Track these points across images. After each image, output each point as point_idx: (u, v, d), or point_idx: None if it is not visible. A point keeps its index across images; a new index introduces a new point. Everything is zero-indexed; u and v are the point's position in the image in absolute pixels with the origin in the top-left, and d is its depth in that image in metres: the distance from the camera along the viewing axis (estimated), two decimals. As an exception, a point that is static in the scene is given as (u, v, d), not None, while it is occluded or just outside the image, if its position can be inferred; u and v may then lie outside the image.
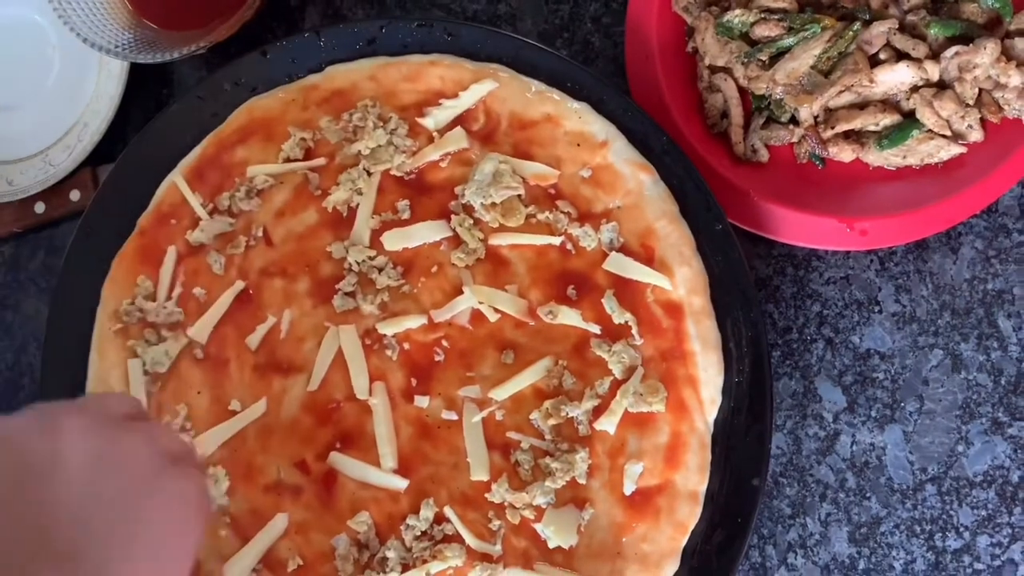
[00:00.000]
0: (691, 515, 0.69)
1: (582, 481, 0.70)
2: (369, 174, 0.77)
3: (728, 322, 0.71)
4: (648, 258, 0.71)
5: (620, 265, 0.71)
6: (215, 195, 0.80)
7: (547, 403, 0.71)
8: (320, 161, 0.78)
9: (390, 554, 0.72)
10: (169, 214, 0.81)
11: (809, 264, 0.78)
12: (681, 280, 0.71)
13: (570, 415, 0.71)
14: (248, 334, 0.77)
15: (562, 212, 0.73)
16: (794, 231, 0.74)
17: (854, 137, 0.75)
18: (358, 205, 0.77)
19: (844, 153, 0.74)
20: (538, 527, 0.70)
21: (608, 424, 0.70)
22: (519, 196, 0.73)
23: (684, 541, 0.69)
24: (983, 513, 0.73)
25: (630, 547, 0.69)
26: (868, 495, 0.74)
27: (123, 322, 0.79)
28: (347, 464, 0.74)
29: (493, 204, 0.73)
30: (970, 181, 0.72)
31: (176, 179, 0.80)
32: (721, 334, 0.71)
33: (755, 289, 0.70)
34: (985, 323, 0.75)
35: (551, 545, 0.70)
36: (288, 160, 0.78)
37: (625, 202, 0.72)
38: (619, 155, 0.72)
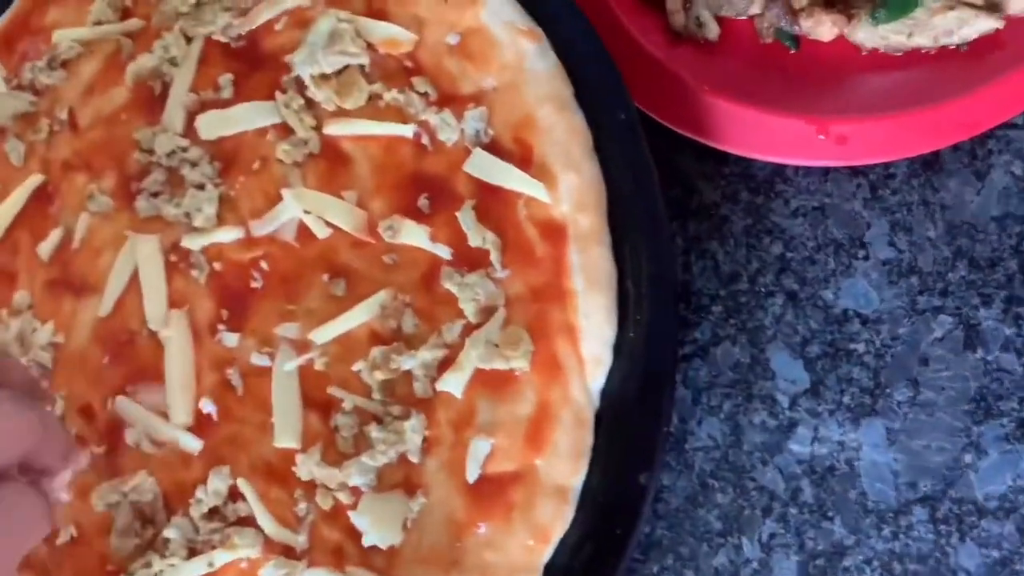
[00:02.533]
0: (556, 517, 0.49)
1: (414, 459, 0.50)
2: (188, 40, 0.58)
3: (626, 252, 0.49)
4: (524, 159, 0.51)
5: (483, 166, 0.51)
6: (20, 67, 0.63)
7: (375, 351, 0.51)
8: (135, 23, 0.59)
9: (171, 534, 0.53)
10: (-29, 90, 0.64)
11: (771, 188, 0.56)
12: (566, 191, 0.50)
13: (404, 368, 0.51)
14: (42, 241, 0.61)
15: (417, 93, 0.53)
16: (745, 136, 0.52)
17: (839, 7, 0.52)
18: (172, 80, 0.58)
19: (823, 29, 0.51)
20: (352, 516, 0.51)
21: (454, 384, 0.50)
22: (361, 68, 0.53)
23: (546, 554, 0.49)
24: (995, 554, 0.50)
25: (471, 554, 0.49)
26: (830, 514, 0.52)
27: (-90, 222, 0.64)
28: (134, 413, 0.56)
29: (326, 77, 0.53)
30: (1006, 70, 0.49)
31: (-20, 47, 0.64)
32: (618, 269, 0.50)
33: (662, 203, 0.48)
34: (1018, 282, 0.52)
35: (366, 542, 0.50)
36: (99, 24, 0.61)
37: (501, 81, 0.51)
38: (495, 15, 0.51)
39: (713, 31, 0.54)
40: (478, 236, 0.50)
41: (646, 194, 0.48)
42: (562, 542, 0.49)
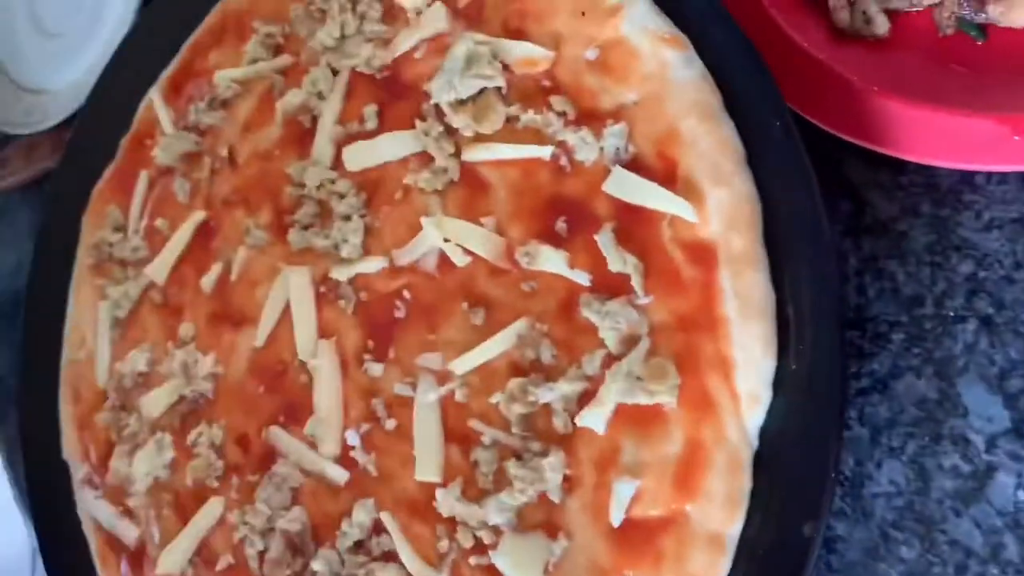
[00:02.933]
0: (711, 570, 0.44)
1: (555, 499, 0.47)
2: (335, 72, 0.59)
3: (786, 276, 0.44)
4: (668, 175, 0.47)
5: (623, 185, 0.47)
6: (187, 109, 0.66)
7: (512, 382, 0.49)
8: (285, 59, 0.61)
9: (318, 566, 0.53)
10: (146, 134, 0.68)
11: (959, 199, 0.49)
12: (715, 209, 0.45)
13: (542, 401, 0.48)
14: (205, 275, 0.63)
15: (555, 112, 0.50)
16: (925, 141, 0.46)
17: (1038, -15, 0.45)
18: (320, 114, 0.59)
19: (1017, 14, 0.45)
20: (493, 556, 0.49)
21: (594, 419, 0.46)
22: (498, 90, 0.51)
23: (699, 608, 0.45)
24: None
25: (618, 604, 0.46)
26: (1041, 573, 0.45)
27: (94, 258, 0.68)
28: (286, 443, 0.57)
29: (463, 102, 0.51)
30: None
31: (152, 93, 0.68)
32: (776, 294, 0.45)
33: (826, 218, 0.43)
34: None
35: (507, 585, 0.48)
36: (254, 62, 0.63)
37: (643, 93, 0.48)
38: (635, 23, 0.48)
39: (883, 27, 0.48)
40: (618, 260, 0.46)
41: (807, 208, 0.43)
42: (718, 596, 0.44)
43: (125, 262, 0.67)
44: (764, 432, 0.44)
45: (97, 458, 0.66)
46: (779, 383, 0.44)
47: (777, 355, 0.44)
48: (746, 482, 0.44)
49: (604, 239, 0.47)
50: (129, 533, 0.63)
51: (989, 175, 0.48)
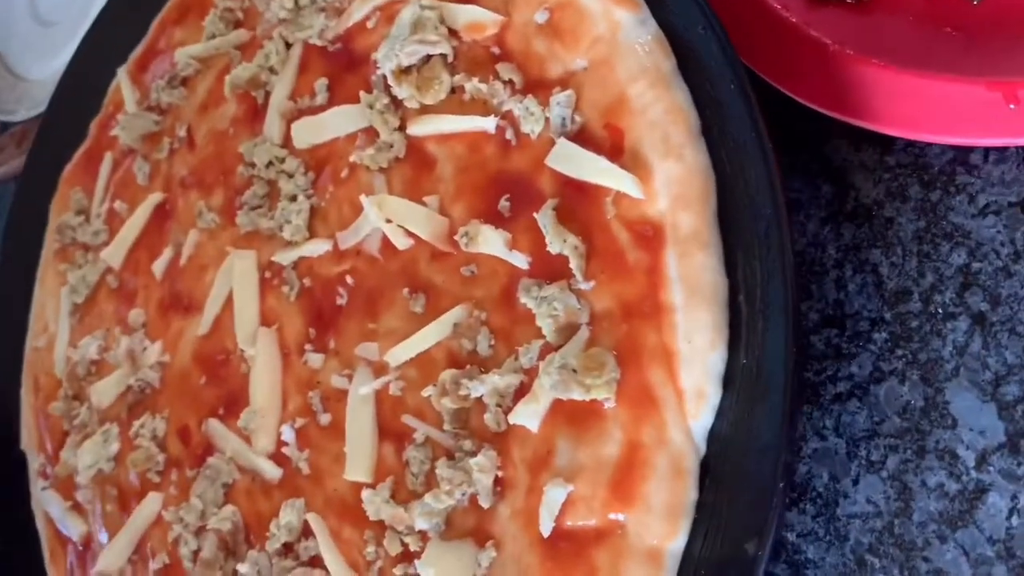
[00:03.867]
0: (648, 589, 0.39)
1: (485, 504, 0.43)
2: (288, 45, 0.56)
3: (740, 259, 0.39)
4: (615, 147, 0.42)
5: (566, 158, 0.43)
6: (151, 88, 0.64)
7: (444, 374, 0.45)
8: (242, 34, 0.58)
9: (243, 569, 0.50)
10: (114, 115, 0.66)
11: (951, 180, 0.43)
12: (663, 184, 0.40)
13: (474, 395, 0.44)
14: (157, 260, 0.60)
15: (501, 81, 0.46)
16: (912, 113, 0.40)
17: (1041, -67, 0.39)
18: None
19: (1018, -35, 0.39)
20: (418, 565, 0.44)
21: (527, 416, 0.42)
22: (444, 58, 0.47)
23: (635, 634, 0.39)
24: None
25: (548, 624, 0.41)
26: (1038, 612, 0.38)
27: (59, 243, 0.67)
28: (223, 436, 0.53)
29: (406, 71, 0.48)
30: None
31: (120, 72, 0.66)
32: (730, 282, 0.40)
33: (784, 200, 0.38)
34: None
35: (429, 598, 0.43)
36: (212, 37, 0.60)
37: (592, 58, 0.43)
38: (586, -18, 0.44)
39: (867, -16, 0.43)
40: (558, 240, 0.42)
41: (761, 184, 0.38)
42: (658, 621, 0.39)
43: (87, 246, 0.65)
44: (714, 436, 0.39)
45: (52, 449, 0.63)
46: (730, 380, 0.39)
47: (729, 348, 0.39)
48: (689, 491, 0.39)
49: (544, 218, 0.42)
50: (76, 528, 0.60)
51: (986, 154, 0.42)
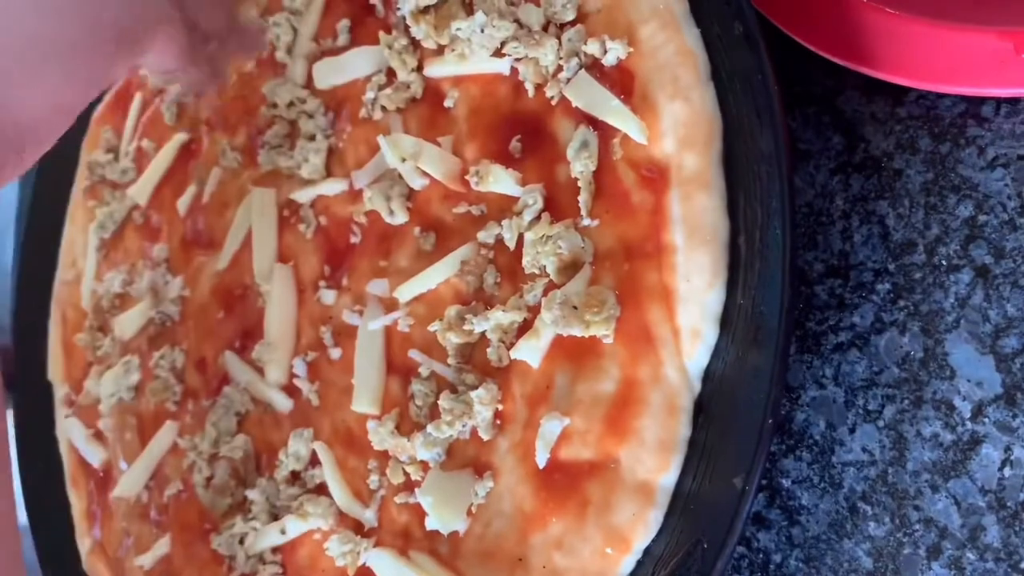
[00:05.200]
0: (638, 522, 0.40)
1: (485, 436, 0.44)
2: (313, -13, 0.57)
3: (741, 201, 0.40)
4: (625, 88, 0.43)
5: (583, 89, 0.43)
6: (181, 30, 0.65)
7: (450, 310, 0.46)
8: (272, -25, 0.60)
9: (254, 496, 0.52)
10: (144, 56, 0.68)
11: (962, 132, 0.43)
12: (670, 125, 0.41)
13: (478, 330, 0.45)
14: (181, 197, 0.62)
15: (518, 23, 0.47)
16: (914, 60, 0.40)
17: None
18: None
19: (1039, -88, 0.39)
20: (417, 493, 0.45)
21: (528, 351, 0.43)
22: None
23: (624, 565, 0.40)
24: None
25: (538, 554, 0.42)
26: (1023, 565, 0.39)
27: (89, 180, 0.69)
28: (237, 368, 0.55)
29: (423, 11, 0.49)
30: None
31: (151, 13, 0.67)
32: (731, 223, 0.40)
33: (787, 144, 0.38)
34: None
35: (428, 525, 0.45)
36: (242, -22, 0.61)
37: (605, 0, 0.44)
38: (602, -75, 0.44)
39: (885, -68, 0.42)
40: (579, 162, 0.42)
41: (764, 128, 0.38)
42: (647, 552, 0.40)
43: (115, 184, 0.66)
44: (709, 375, 0.40)
45: (76, 378, 0.66)
46: (727, 321, 0.40)
47: (727, 289, 0.40)
48: (682, 428, 0.40)
49: (578, 138, 0.43)
50: (97, 455, 0.62)
51: (997, 106, 0.42)
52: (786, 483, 0.45)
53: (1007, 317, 0.40)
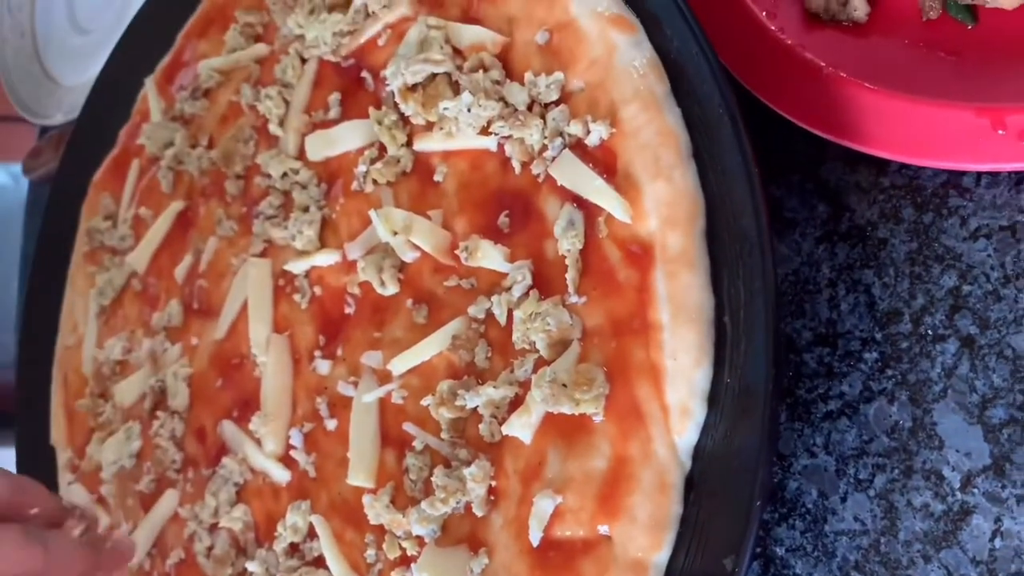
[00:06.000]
0: (632, 601, 0.40)
1: (479, 512, 0.44)
2: (303, 61, 0.58)
3: (725, 279, 0.40)
4: (608, 167, 0.43)
5: (567, 168, 0.44)
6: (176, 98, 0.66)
7: (443, 384, 0.46)
8: (261, 48, 0.60)
9: (253, 567, 0.52)
10: (142, 123, 0.69)
11: (944, 203, 0.43)
12: (652, 204, 0.41)
13: (470, 406, 0.45)
14: (179, 265, 0.63)
15: (503, 102, 0.47)
16: (903, 136, 0.41)
17: (1035, -40, 0.39)
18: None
19: (1011, -9, 0.39)
20: (414, 569, 0.46)
21: (520, 428, 0.43)
22: (448, 76, 0.49)
23: (618, 644, 0.41)
24: None
25: (535, 631, 0.42)
26: (1019, 633, 0.39)
27: (88, 246, 0.70)
28: (236, 439, 0.56)
29: (411, 89, 0.49)
30: None
31: (147, 82, 0.68)
32: (716, 300, 0.41)
33: (768, 223, 0.38)
34: None
35: (424, 601, 0.45)
36: (232, 51, 0.62)
37: (588, 79, 0.45)
38: (585, 4, 0.44)
39: (861, 10, 0.43)
40: (566, 240, 0.43)
41: (746, 207, 0.39)
42: (642, 631, 0.40)
43: (114, 250, 0.67)
44: (700, 452, 0.40)
45: (79, 444, 0.66)
46: (715, 398, 0.40)
47: (715, 366, 0.40)
48: (674, 505, 0.40)
49: (565, 214, 0.43)
50: (101, 521, 0.63)
51: (978, 177, 0.42)
52: (780, 551, 0.45)
53: (993, 387, 0.41)
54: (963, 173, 0.43)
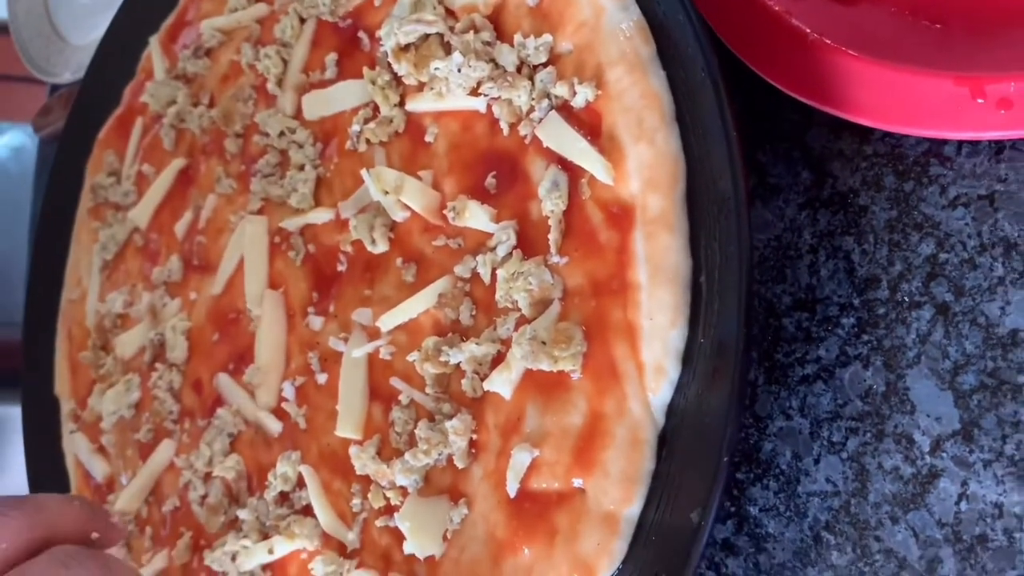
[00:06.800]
0: (603, 552, 0.41)
1: (460, 464, 0.46)
2: (303, 21, 0.58)
3: (702, 241, 0.41)
4: (593, 129, 0.44)
5: (553, 130, 0.45)
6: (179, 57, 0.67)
7: (428, 341, 0.47)
8: (262, 8, 0.61)
9: (244, 515, 0.53)
10: (144, 82, 0.70)
11: (925, 171, 0.44)
12: (635, 167, 0.42)
13: (453, 362, 0.46)
14: (178, 222, 0.64)
15: (493, 63, 0.48)
16: (884, 103, 0.41)
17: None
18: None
19: (997, -41, 0.40)
20: (396, 517, 0.47)
21: (500, 383, 0.44)
22: (440, 37, 0.49)
23: (590, 593, 0.42)
24: None
25: (510, 579, 0.44)
26: (982, 594, 0.40)
27: (92, 202, 0.71)
28: (231, 390, 0.57)
29: (404, 49, 0.50)
30: None
31: (151, 41, 0.69)
32: (693, 261, 0.41)
33: (745, 187, 0.39)
34: None
35: (405, 549, 0.46)
36: (234, 10, 0.63)
37: (576, 41, 0.45)
38: (574, -32, 0.45)
39: (850, -25, 0.43)
40: (550, 201, 0.43)
41: (723, 170, 0.39)
42: (612, 581, 0.42)
43: (117, 206, 0.69)
44: (673, 410, 0.41)
45: (81, 395, 0.68)
46: (689, 358, 0.41)
47: (690, 326, 0.41)
48: (646, 461, 0.41)
49: (549, 178, 0.44)
50: (101, 469, 0.65)
51: (959, 146, 0.43)
52: (754, 511, 0.46)
53: (966, 354, 0.41)
54: (944, 142, 0.43)
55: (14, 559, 0.34)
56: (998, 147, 0.42)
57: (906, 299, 0.43)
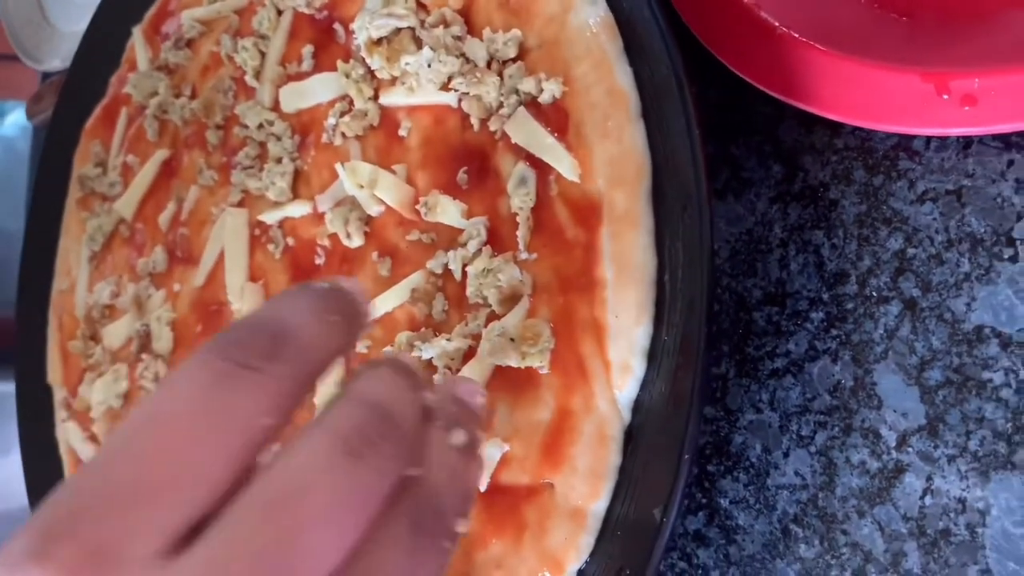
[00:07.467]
0: (570, 546, 0.42)
1: (432, 458, 0.46)
2: (280, 12, 0.58)
3: (667, 239, 0.41)
4: (560, 125, 0.44)
5: (521, 126, 0.45)
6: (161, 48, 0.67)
7: (401, 336, 0.48)
8: (240, -1, 0.61)
9: (227, 505, 0.55)
10: (130, 72, 0.70)
11: (894, 166, 0.44)
12: (601, 164, 0.42)
13: (425, 357, 0.47)
14: (162, 213, 0.64)
15: (464, 58, 0.48)
16: (852, 98, 0.41)
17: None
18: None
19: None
20: (372, 512, 0.48)
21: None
22: (411, 31, 0.49)
23: (557, 586, 0.43)
24: None
25: (481, 572, 0.44)
26: (945, 587, 0.40)
27: (80, 192, 0.71)
28: (214, 382, 0.58)
29: (376, 42, 0.50)
30: None
31: (135, 31, 0.69)
32: (659, 259, 0.41)
33: (704, 177, 0.39)
34: None
35: (381, 541, 0.47)
36: (213, 1, 0.63)
37: (545, 36, 0.45)
38: (543, -39, 0.45)
39: (820, -33, 0.43)
40: (518, 196, 0.44)
41: (685, 168, 0.39)
42: (580, 575, 0.42)
43: (104, 197, 0.69)
44: (639, 406, 0.42)
45: (73, 383, 0.69)
46: (654, 355, 0.41)
47: (655, 324, 0.41)
48: (612, 456, 0.41)
49: (517, 175, 0.44)
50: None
51: (928, 141, 0.42)
52: (724, 503, 0.46)
53: (932, 350, 0.41)
54: (913, 136, 0.43)
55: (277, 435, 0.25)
56: (966, 142, 0.41)
57: (874, 294, 0.43)
